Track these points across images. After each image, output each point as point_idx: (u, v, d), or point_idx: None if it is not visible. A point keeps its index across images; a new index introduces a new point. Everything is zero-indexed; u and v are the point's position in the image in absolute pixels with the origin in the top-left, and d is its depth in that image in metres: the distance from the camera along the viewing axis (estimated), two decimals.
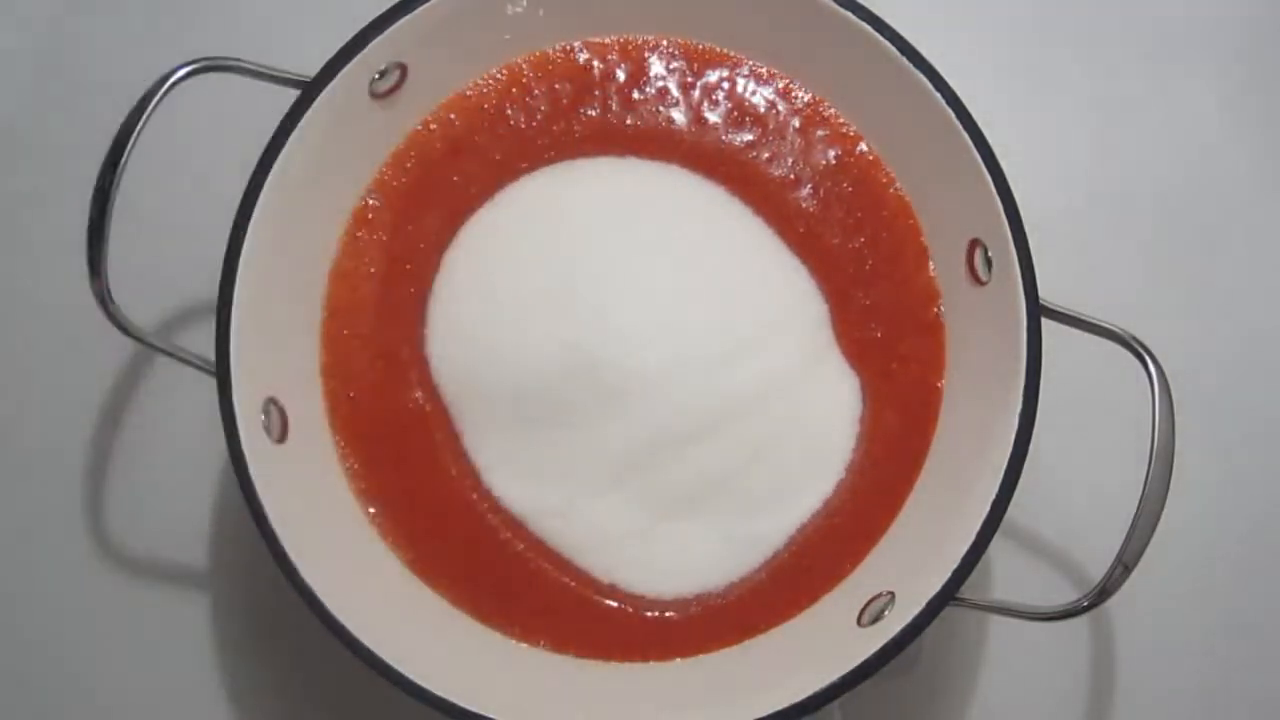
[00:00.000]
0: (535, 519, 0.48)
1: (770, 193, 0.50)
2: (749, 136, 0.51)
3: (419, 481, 0.48)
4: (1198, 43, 0.60)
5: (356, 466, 0.48)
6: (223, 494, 0.55)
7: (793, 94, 0.51)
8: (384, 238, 0.50)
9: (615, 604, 0.47)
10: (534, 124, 0.51)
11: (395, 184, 0.50)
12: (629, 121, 0.51)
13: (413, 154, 0.50)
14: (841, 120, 0.51)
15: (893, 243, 0.50)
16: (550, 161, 0.50)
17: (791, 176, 0.50)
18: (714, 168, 0.50)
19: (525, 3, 0.50)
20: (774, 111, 0.51)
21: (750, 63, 0.51)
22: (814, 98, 0.51)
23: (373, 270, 0.49)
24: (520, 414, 0.48)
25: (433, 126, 0.51)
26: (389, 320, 0.49)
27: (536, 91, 0.51)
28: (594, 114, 0.51)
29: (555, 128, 0.51)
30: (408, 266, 0.49)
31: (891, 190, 0.50)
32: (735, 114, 0.51)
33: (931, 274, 0.49)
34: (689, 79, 0.51)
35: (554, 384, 0.47)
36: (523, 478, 0.48)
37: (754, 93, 0.51)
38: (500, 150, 0.50)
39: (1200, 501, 0.50)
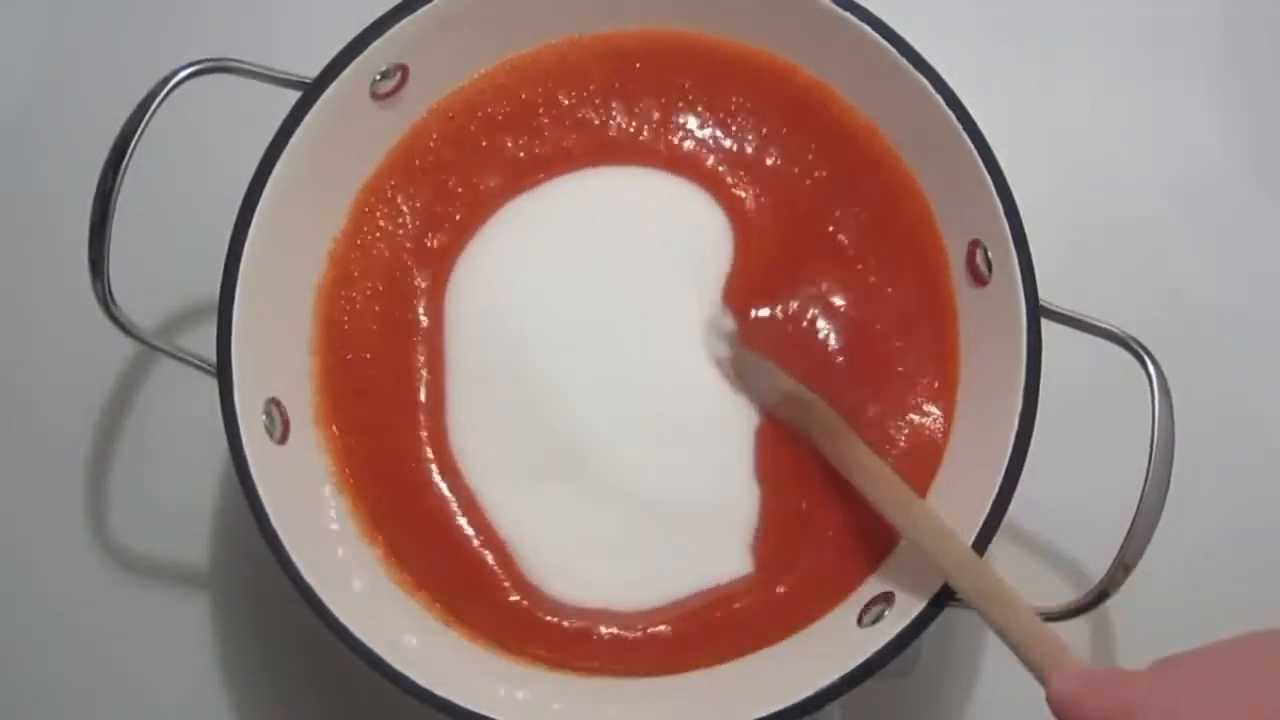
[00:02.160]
0: (521, 540, 0.47)
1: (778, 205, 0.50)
2: (753, 145, 0.50)
3: (416, 484, 0.48)
4: (1197, 43, 0.60)
5: (355, 468, 0.48)
6: (223, 494, 0.55)
7: (797, 99, 0.51)
8: (384, 240, 0.50)
9: (610, 613, 0.47)
10: (536, 127, 0.51)
11: (396, 185, 0.50)
12: (632, 128, 0.50)
13: (414, 156, 0.50)
14: (843, 123, 0.50)
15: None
16: (553, 168, 0.50)
17: (798, 187, 0.50)
18: (717, 179, 0.50)
19: (527, 3, 0.49)
20: (780, 128, 0.50)
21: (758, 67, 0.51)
22: (816, 101, 0.51)
23: (373, 272, 0.49)
24: (516, 420, 0.48)
25: (433, 128, 0.50)
26: (389, 322, 0.49)
27: (540, 94, 0.51)
28: (598, 121, 0.50)
29: (558, 132, 0.50)
30: (409, 268, 0.49)
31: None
32: (740, 124, 0.51)
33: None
34: (698, 91, 0.51)
35: (551, 391, 0.47)
36: (513, 482, 0.47)
37: (760, 100, 0.51)
38: (502, 154, 0.50)
39: (1200, 501, 0.50)
